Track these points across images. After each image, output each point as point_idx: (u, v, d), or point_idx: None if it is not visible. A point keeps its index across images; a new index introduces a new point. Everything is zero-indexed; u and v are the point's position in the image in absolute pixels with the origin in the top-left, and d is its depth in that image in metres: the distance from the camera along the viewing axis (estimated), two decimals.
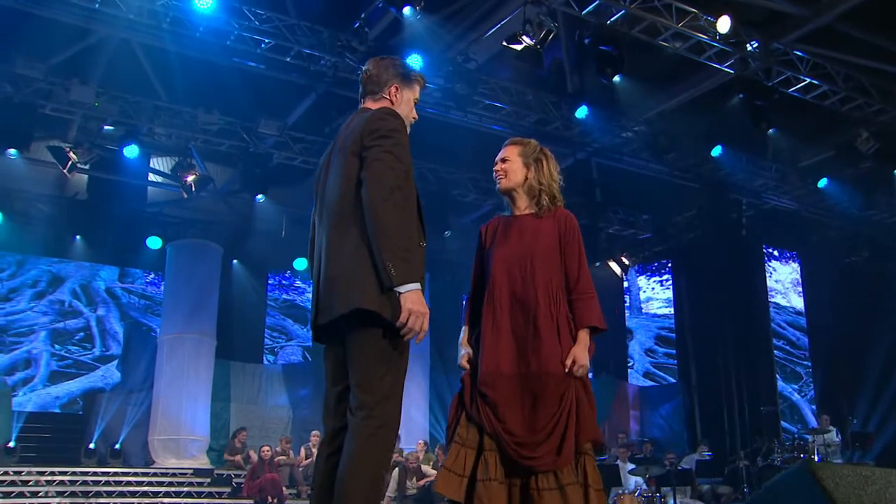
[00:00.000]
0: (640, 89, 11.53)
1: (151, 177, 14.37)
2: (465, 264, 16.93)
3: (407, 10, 8.53)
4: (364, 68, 3.29)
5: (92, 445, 13.79)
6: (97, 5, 9.47)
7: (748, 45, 10.48)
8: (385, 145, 2.92)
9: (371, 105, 3.20)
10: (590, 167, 14.54)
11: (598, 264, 14.84)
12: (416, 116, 3.32)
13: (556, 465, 3.19)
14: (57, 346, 15.45)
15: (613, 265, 15.16)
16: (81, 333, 15.77)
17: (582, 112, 11.60)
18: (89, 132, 11.43)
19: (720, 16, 9.78)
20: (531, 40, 8.87)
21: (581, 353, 3.31)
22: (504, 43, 9.26)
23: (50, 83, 10.69)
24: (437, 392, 15.98)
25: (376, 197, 2.84)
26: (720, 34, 10.03)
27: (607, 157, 13.50)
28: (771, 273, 16.91)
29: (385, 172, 2.88)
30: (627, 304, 17.77)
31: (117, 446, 13.94)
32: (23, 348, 15.19)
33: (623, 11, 9.47)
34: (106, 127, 11.47)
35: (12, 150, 10.85)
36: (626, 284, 17.50)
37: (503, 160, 3.64)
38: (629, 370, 17.49)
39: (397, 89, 3.22)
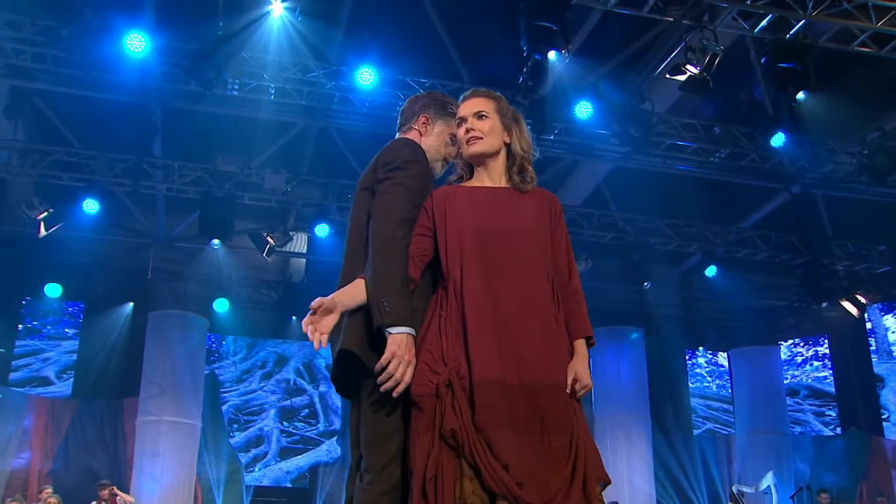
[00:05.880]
0: (844, 106, 10.25)
1: None
2: (675, 316, 15.94)
3: (552, 55, 8.15)
4: None
5: None
6: (272, 97, 10.06)
7: None
8: (397, 178, 2.64)
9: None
10: (812, 199, 13.10)
11: (825, 305, 13.24)
12: (453, 153, 2.95)
13: None
14: (285, 423, 16.25)
15: (848, 305, 13.41)
16: (306, 410, 16.48)
17: (779, 140, 10.41)
18: (284, 217, 12.05)
19: None
20: (696, 68, 8.13)
21: (585, 370, 2.57)
22: (667, 76, 8.59)
23: (246, 175, 11.45)
24: (658, 456, 14.88)
25: (381, 230, 2.55)
26: None
27: (819, 186, 12.06)
28: None
29: (394, 206, 2.59)
30: (874, 349, 15.61)
31: None
32: (256, 426, 16.16)
33: (804, 21, 8.48)
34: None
35: (216, 241, 11.65)
36: (868, 326, 15.43)
37: (479, 115, 2.76)
38: (884, 423, 15.27)
39: (427, 119, 2.95)
